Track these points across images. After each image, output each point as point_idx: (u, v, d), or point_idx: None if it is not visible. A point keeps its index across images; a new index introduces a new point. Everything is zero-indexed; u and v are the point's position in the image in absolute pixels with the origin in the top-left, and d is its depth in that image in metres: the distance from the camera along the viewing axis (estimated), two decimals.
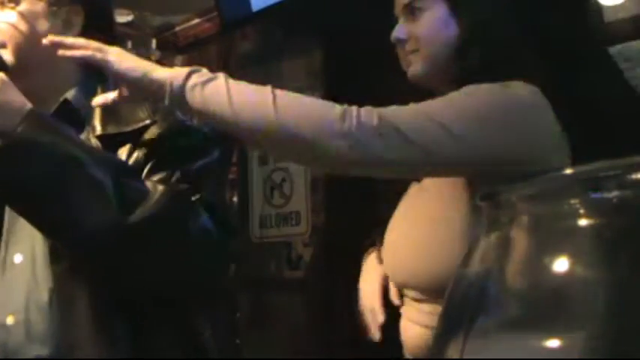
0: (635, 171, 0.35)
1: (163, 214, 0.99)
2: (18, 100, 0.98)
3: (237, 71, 3.34)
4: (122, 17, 3.75)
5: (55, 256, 1.02)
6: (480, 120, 1.16)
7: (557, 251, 0.37)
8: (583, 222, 0.37)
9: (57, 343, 1.02)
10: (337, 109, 1.10)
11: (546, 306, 0.36)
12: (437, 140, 1.10)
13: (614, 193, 0.36)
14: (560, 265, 0.36)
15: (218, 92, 1.05)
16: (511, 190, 0.41)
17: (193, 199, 1.04)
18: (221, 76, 1.08)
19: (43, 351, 1.02)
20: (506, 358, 0.36)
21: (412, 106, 1.16)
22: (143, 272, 1.01)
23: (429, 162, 1.12)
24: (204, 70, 1.09)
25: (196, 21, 3.48)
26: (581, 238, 0.37)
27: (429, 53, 1.34)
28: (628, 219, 0.36)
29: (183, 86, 1.04)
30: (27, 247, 1.06)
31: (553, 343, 0.34)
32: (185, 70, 1.06)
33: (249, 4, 2.78)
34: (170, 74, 1.05)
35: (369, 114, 1.10)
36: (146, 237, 0.98)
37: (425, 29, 1.36)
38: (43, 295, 1.03)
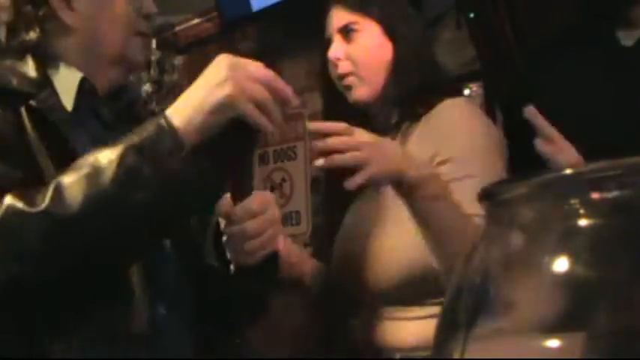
0: (635, 171, 0.36)
1: None
2: None
3: None
4: None
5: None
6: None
7: (557, 251, 0.37)
8: (583, 222, 0.37)
9: None
10: None
11: (546, 306, 0.36)
12: None
13: (614, 193, 0.36)
14: (560, 265, 0.36)
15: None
16: (511, 190, 0.41)
17: None
18: None
19: None
20: (506, 358, 0.36)
21: None
22: None
23: None
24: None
25: (196, 21, 3.48)
26: (581, 238, 0.37)
27: (367, 75, 1.41)
28: (628, 219, 0.36)
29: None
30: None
31: (553, 343, 0.34)
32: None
33: (249, 4, 2.78)
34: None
35: None
36: None
37: (361, 51, 1.42)
38: None
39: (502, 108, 1.90)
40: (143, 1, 1.16)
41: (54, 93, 1.09)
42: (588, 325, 0.34)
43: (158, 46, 3.53)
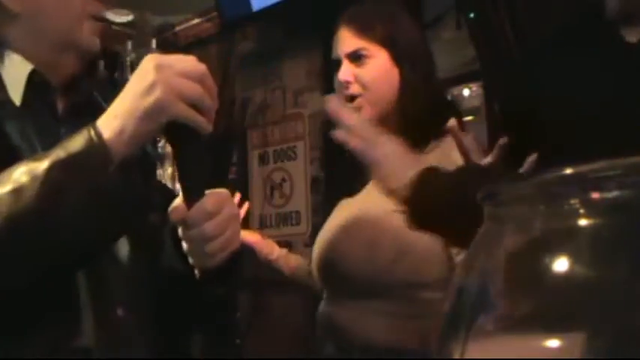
0: (635, 171, 0.36)
1: None
2: None
3: (237, 71, 3.34)
4: (122, 17, 3.74)
5: None
6: None
7: (557, 251, 0.37)
8: (583, 222, 0.37)
9: None
10: None
11: (546, 306, 0.36)
12: None
13: (614, 193, 0.36)
14: (560, 265, 0.36)
15: None
16: (511, 190, 0.41)
17: None
18: None
19: None
20: (506, 358, 0.36)
21: None
22: None
23: None
24: None
25: (196, 21, 3.48)
26: (581, 238, 0.37)
27: (375, 99, 1.45)
28: (628, 219, 0.36)
29: None
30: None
31: (553, 343, 0.34)
32: None
33: (249, 4, 2.78)
34: None
35: None
36: None
37: (371, 76, 1.46)
38: None
39: (502, 108, 1.90)
40: None
41: (2, 87, 1.03)
42: (588, 325, 0.34)
43: (158, 46, 3.53)
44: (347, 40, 1.49)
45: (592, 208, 0.36)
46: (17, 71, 1.04)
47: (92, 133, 0.89)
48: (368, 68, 1.46)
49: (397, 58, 1.47)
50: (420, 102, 1.44)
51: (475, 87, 3.19)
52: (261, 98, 3.09)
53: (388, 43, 1.47)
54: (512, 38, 2.26)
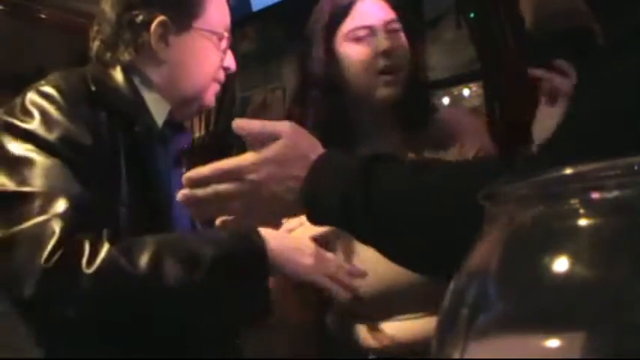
0: (635, 171, 0.35)
1: None
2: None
3: (237, 71, 3.33)
4: None
5: None
6: None
7: (557, 251, 0.37)
8: (583, 222, 0.37)
9: None
10: None
11: (546, 306, 0.36)
12: None
13: (614, 193, 0.36)
14: (560, 265, 0.36)
15: None
16: (511, 190, 0.41)
17: None
18: None
19: None
20: (506, 358, 0.36)
21: None
22: None
23: None
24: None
25: None
26: (581, 238, 0.37)
27: (400, 79, 1.42)
28: (628, 219, 0.36)
29: None
30: None
31: (553, 343, 0.34)
32: None
33: (249, 4, 2.78)
34: None
35: None
36: None
37: (404, 50, 1.41)
38: None
39: (502, 108, 1.91)
40: (227, 55, 1.29)
41: (152, 119, 1.18)
42: (588, 325, 0.34)
43: None
44: (384, 8, 1.39)
45: (592, 208, 0.36)
46: (159, 106, 1.20)
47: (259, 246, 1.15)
48: (400, 40, 1.38)
49: (408, 33, 1.40)
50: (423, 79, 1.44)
51: (475, 87, 3.19)
52: (261, 98, 3.09)
53: (404, 16, 1.40)
54: (512, 38, 2.26)
